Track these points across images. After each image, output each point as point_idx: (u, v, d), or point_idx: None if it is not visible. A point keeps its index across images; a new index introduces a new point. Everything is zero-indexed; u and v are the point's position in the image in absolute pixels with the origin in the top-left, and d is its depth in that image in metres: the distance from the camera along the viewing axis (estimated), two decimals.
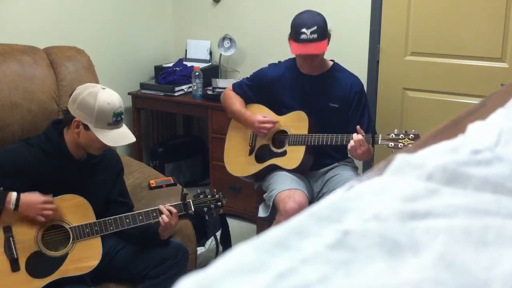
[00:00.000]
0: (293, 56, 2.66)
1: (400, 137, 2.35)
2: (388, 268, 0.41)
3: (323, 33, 2.46)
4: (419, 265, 0.41)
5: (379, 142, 2.37)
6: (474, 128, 0.65)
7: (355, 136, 2.37)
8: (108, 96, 1.99)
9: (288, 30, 2.58)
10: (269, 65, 2.83)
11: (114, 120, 1.98)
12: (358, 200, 0.50)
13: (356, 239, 0.44)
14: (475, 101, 0.95)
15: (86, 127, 1.99)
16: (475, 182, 0.52)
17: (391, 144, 2.35)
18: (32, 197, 1.95)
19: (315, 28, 2.44)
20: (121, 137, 2.03)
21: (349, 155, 2.71)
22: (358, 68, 3.07)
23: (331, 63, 2.67)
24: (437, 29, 3.09)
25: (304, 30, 2.44)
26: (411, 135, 2.35)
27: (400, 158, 0.56)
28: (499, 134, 0.61)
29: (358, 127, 2.40)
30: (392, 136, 2.36)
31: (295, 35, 2.48)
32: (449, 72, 3.10)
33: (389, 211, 0.47)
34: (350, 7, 3.32)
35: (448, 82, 3.11)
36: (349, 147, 2.40)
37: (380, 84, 3.32)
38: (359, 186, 0.54)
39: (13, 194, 1.92)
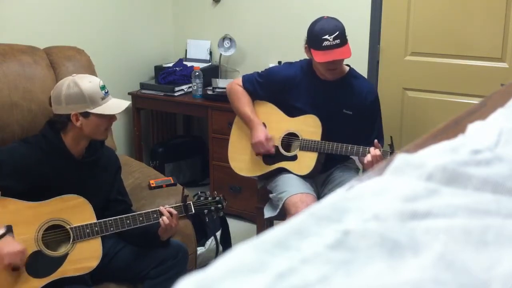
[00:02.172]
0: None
1: None
2: (388, 268, 0.41)
3: (345, 38, 2.42)
4: (419, 265, 0.41)
5: None
6: (474, 128, 0.65)
7: (373, 151, 2.33)
8: (85, 77, 2.07)
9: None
10: (283, 63, 2.76)
11: (104, 92, 2.05)
12: (358, 200, 0.50)
13: (356, 239, 0.44)
14: (475, 101, 0.95)
15: (85, 114, 2.02)
16: (475, 182, 0.52)
17: None
18: (9, 247, 1.87)
19: (337, 33, 2.38)
20: (119, 103, 2.10)
21: (355, 160, 2.70)
22: (358, 68, 3.07)
23: (347, 68, 2.60)
24: (437, 29, 3.09)
25: (326, 37, 2.37)
26: None
27: (400, 158, 0.56)
28: (499, 134, 0.61)
29: (376, 141, 2.36)
30: None
31: (316, 44, 2.40)
32: (449, 72, 3.10)
33: (389, 211, 0.47)
34: (350, 7, 3.32)
35: (448, 82, 3.12)
36: (365, 161, 2.36)
37: (380, 84, 3.32)
38: (359, 186, 0.54)
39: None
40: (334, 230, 0.45)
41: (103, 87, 2.06)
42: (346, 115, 2.53)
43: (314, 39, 2.42)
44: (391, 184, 0.53)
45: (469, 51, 3.03)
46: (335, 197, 0.52)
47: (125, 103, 2.12)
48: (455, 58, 3.08)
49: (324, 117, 2.53)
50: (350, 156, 2.45)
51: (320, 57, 2.40)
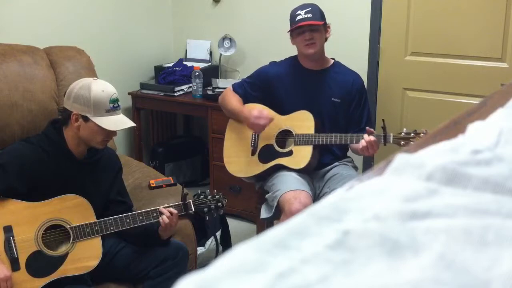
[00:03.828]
0: (294, 54, 2.67)
1: (411, 135, 2.36)
2: (388, 268, 0.41)
3: (317, 14, 2.53)
4: (419, 265, 0.41)
5: (391, 141, 2.38)
6: (474, 128, 0.65)
7: (367, 137, 2.38)
8: (101, 84, 2.05)
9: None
10: (270, 63, 2.81)
11: (112, 106, 2.02)
12: (358, 200, 0.50)
13: (356, 239, 0.44)
14: (475, 101, 0.95)
15: (86, 119, 2.01)
16: (475, 182, 0.52)
17: (403, 143, 2.36)
18: None
19: (309, 9, 2.53)
20: (121, 122, 2.07)
21: (348, 153, 2.72)
22: (358, 68, 3.07)
23: (332, 61, 2.69)
24: (437, 29, 3.08)
25: (299, 12, 2.53)
26: (421, 134, 2.36)
27: (400, 158, 0.56)
28: (499, 134, 0.61)
29: (367, 128, 2.43)
30: (403, 134, 2.38)
31: (292, 21, 2.55)
32: (449, 72, 3.10)
33: (389, 211, 0.47)
34: (350, 7, 3.32)
35: (448, 82, 3.11)
36: (360, 146, 2.41)
37: (380, 84, 3.32)
38: (359, 186, 0.54)
39: None
40: (334, 230, 0.45)
41: (113, 101, 2.03)
42: (335, 103, 2.61)
43: (291, 19, 2.57)
44: (391, 184, 0.53)
45: (469, 51, 3.03)
46: (335, 197, 0.52)
47: (128, 124, 2.09)
48: (455, 58, 3.08)
49: (315, 108, 2.58)
50: (345, 144, 2.50)
51: (293, 26, 2.55)
